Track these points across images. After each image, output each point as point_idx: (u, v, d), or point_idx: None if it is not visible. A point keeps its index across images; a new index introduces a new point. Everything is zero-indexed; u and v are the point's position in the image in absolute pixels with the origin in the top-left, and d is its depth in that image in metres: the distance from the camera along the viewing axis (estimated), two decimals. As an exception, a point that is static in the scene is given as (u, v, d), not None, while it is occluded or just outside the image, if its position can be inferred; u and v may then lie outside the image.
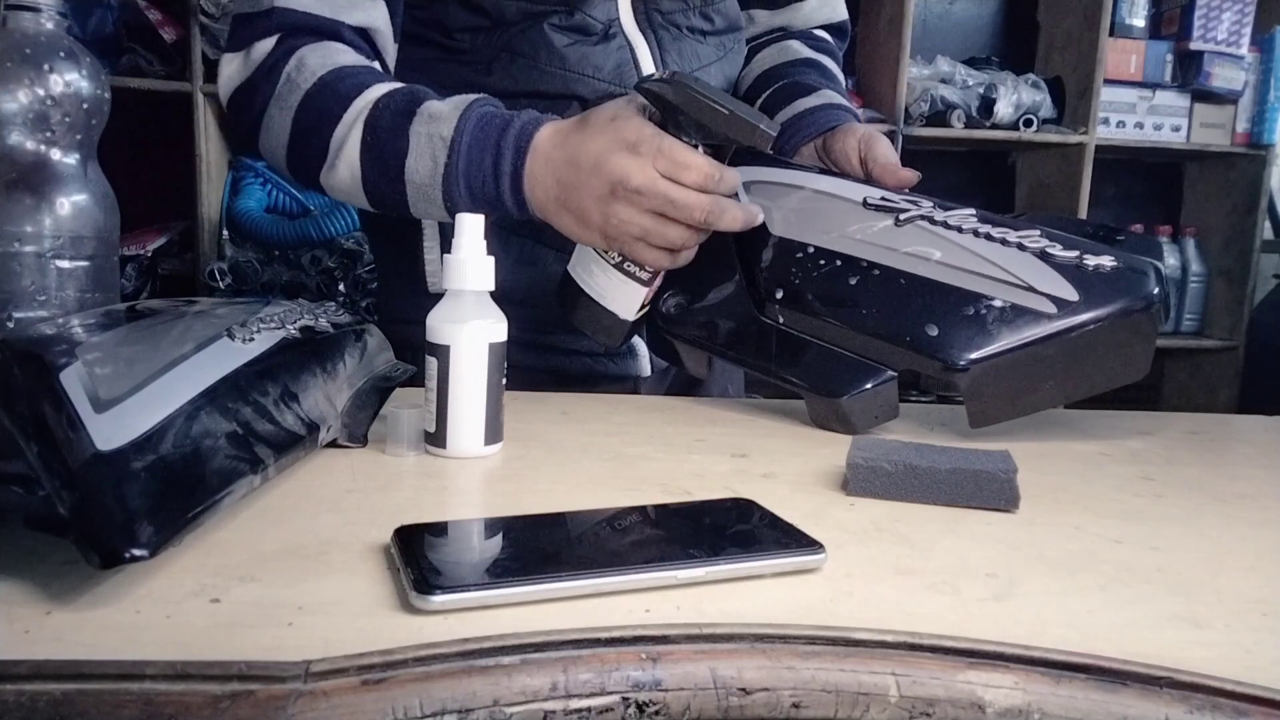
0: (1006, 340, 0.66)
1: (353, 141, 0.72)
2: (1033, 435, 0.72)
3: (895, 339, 0.68)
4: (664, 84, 0.66)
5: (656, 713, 0.33)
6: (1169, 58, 2.40)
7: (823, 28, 1.03)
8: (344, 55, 0.76)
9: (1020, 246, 0.69)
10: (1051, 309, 0.66)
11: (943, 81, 2.30)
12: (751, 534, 0.45)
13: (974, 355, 0.66)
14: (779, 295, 0.71)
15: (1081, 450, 0.69)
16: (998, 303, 0.67)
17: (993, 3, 2.65)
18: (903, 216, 0.71)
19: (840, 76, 1.00)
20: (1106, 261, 0.68)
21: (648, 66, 0.83)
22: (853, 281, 0.70)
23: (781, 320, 0.71)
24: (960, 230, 0.70)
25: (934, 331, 0.67)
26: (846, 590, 0.40)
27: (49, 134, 0.65)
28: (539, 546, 0.42)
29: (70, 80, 0.65)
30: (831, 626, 0.36)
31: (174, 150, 2.01)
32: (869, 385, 0.69)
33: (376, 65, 0.79)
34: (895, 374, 0.69)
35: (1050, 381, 0.69)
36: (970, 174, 2.68)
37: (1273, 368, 2.43)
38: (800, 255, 0.71)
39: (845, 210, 0.73)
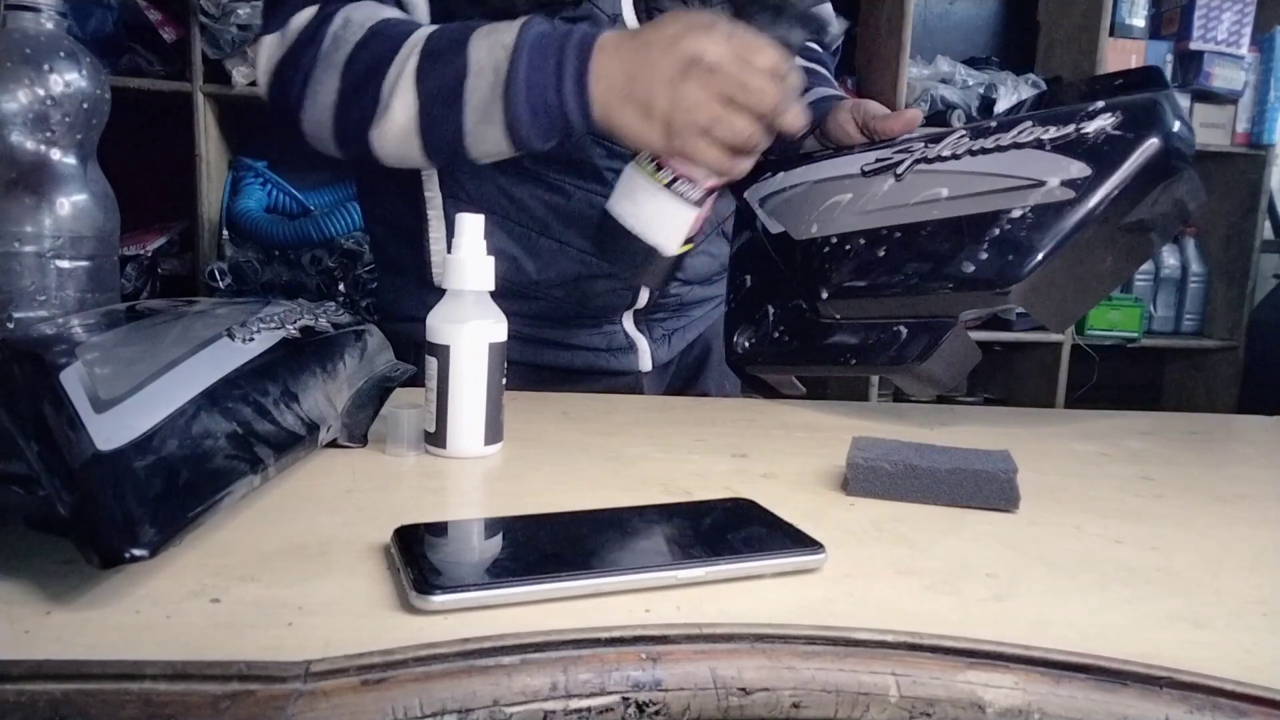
0: (1040, 243, 0.64)
1: (408, 75, 0.69)
2: (1033, 435, 0.72)
3: (941, 287, 0.68)
4: None
5: (656, 713, 0.33)
6: (1169, 58, 2.40)
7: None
8: (388, 10, 0.74)
9: (1015, 146, 0.67)
10: (1070, 194, 0.64)
11: (943, 81, 2.30)
12: (751, 534, 0.45)
13: (1016, 272, 0.65)
14: (824, 295, 0.71)
15: (1081, 450, 0.69)
16: (1016, 212, 0.66)
17: (993, 3, 2.65)
18: (900, 169, 0.71)
19: (834, 83, 1.00)
20: (1105, 122, 0.65)
21: None
22: (881, 252, 0.70)
23: (838, 315, 0.71)
24: (956, 157, 0.69)
25: (970, 267, 0.66)
26: (846, 590, 0.40)
27: (49, 134, 0.65)
28: (539, 546, 0.42)
29: (70, 80, 0.65)
30: (831, 626, 0.36)
31: (174, 150, 2.01)
32: (940, 341, 0.69)
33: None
34: (955, 320, 0.69)
35: (1106, 258, 0.67)
36: (970, 174, 2.67)
37: (1273, 368, 2.43)
38: (827, 249, 0.72)
39: (849, 187, 0.73)
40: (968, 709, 0.34)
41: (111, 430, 0.39)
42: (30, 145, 0.64)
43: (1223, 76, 2.40)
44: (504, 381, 0.59)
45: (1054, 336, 2.27)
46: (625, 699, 0.33)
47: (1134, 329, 2.36)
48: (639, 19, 0.83)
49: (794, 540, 0.43)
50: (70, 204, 0.66)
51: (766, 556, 0.42)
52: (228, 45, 1.89)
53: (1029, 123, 0.67)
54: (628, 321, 0.89)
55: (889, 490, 0.53)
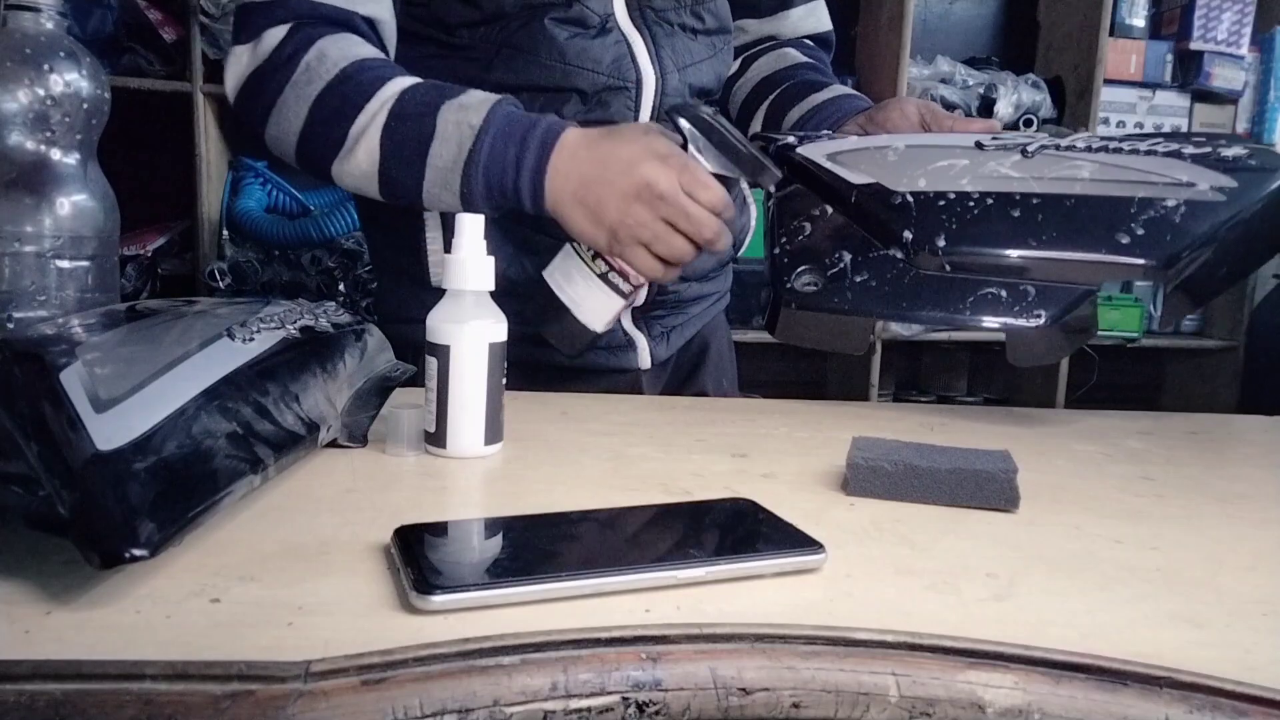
0: (1196, 232, 0.68)
1: (375, 128, 0.73)
2: (1033, 435, 0.72)
3: (1090, 252, 0.69)
4: (694, 113, 0.71)
5: (656, 713, 0.33)
6: (1169, 58, 2.40)
7: (809, 38, 1.04)
8: (363, 48, 0.77)
9: (1152, 153, 0.71)
10: (1221, 198, 0.69)
11: (943, 81, 2.30)
12: (751, 534, 0.45)
13: (1174, 250, 0.68)
14: (940, 243, 0.72)
15: (1081, 450, 0.69)
16: (1170, 202, 0.69)
17: (993, 3, 2.65)
18: (1029, 148, 0.73)
19: (831, 75, 1.01)
20: (1239, 150, 0.71)
21: (644, 61, 0.84)
22: (1016, 214, 0.71)
23: (949, 268, 0.72)
24: (1091, 149, 0.72)
25: (1126, 239, 0.69)
26: (846, 590, 0.40)
27: (49, 134, 0.65)
28: (539, 546, 0.42)
29: (70, 80, 0.65)
30: (831, 626, 0.36)
31: (174, 150, 2.01)
32: (1075, 305, 0.70)
33: (392, 60, 0.79)
34: (1095, 289, 0.70)
35: (1227, 264, 0.71)
36: (970, 174, 2.68)
37: (1273, 368, 2.43)
38: (944, 203, 0.72)
39: (963, 155, 0.75)
40: (968, 709, 0.34)
41: (111, 430, 0.39)
42: (30, 145, 0.64)
43: (1223, 76, 2.40)
44: (504, 381, 0.59)
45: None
46: (625, 699, 0.33)
47: (1134, 329, 2.36)
48: (633, 21, 0.83)
49: (794, 540, 0.43)
50: (70, 204, 0.66)
51: (766, 556, 0.42)
52: (228, 45, 1.89)
53: (1160, 139, 0.73)
54: (625, 320, 0.89)
55: (889, 490, 0.53)
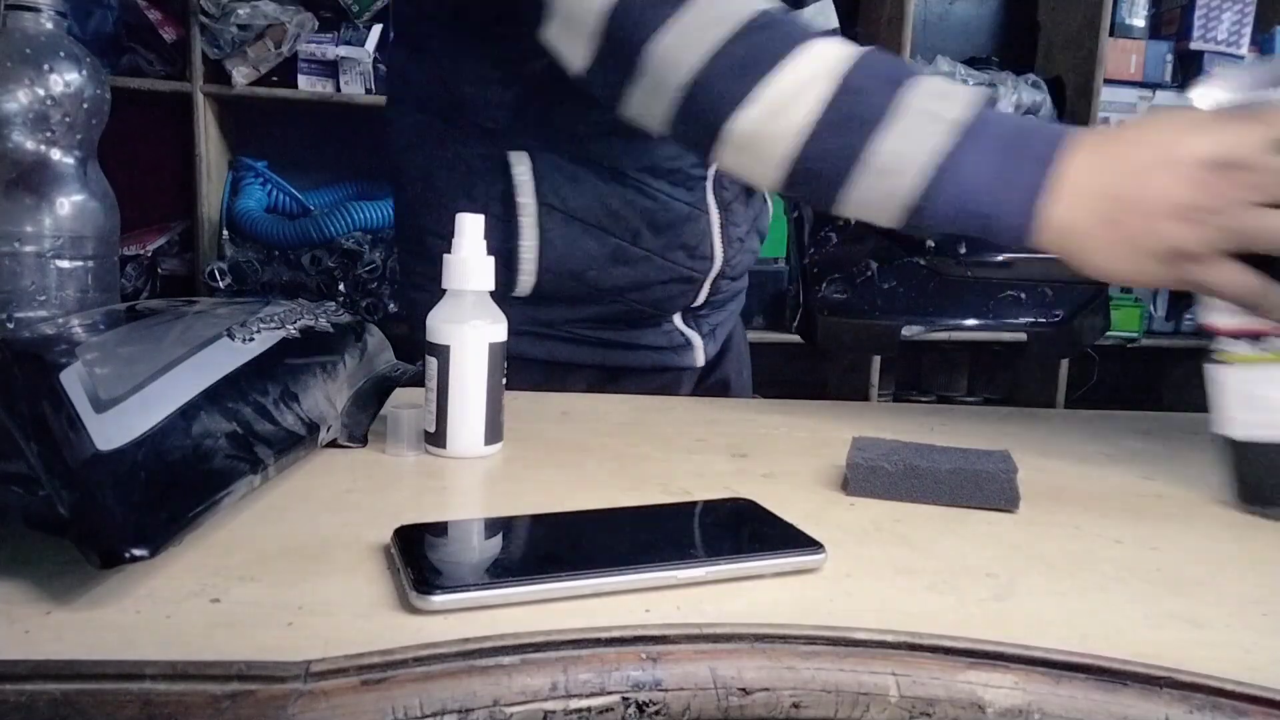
0: None
1: (810, 95, 0.59)
2: (1033, 435, 0.72)
3: None
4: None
5: (656, 713, 0.33)
6: (1169, 58, 2.40)
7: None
8: None
9: None
10: None
11: (943, 81, 2.30)
12: (751, 534, 0.45)
13: None
14: (962, 250, 0.75)
15: (1081, 450, 0.69)
16: None
17: (993, 3, 2.65)
18: None
19: None
20: None
21: None
22: None
23: (970, 274, 0.75)
24: None
25: None
26: (846, 590, 0.40)
27: (49, 134, 0.65)
28: (539, 546, 0.42)
29: (70, 80, 0.65)
30: (831, 626, 0.36)
31: (174, 150, 2.01)
32: (1091, 302, 0.74)
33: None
34: (1106, 286, 0.73)
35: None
36: (970, 174, 2.68)
37: (1273, 368, 2.42)
38: None
39: None
40: (968, 709, 0.34)
41: (111, 430, 0.39)
42: (30, 145, 0.64)
43: (1223, 76, 2.39)
44: (504, 381, 0.59)
45: (1054, 336, 2.27)
46: (625, 699, 0.33)
47: (1134, 329, 2.36)
48: None
49: (794, 540, 0.43)
50: (70, 204, 0.66)
51: (766, 556, 0.42)
52: (228, 45, 1.89)
53: None
54: (678, 320, 0.91)
55: (889, 490, 0.53)
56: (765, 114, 0.59)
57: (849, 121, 0.58)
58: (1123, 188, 0.53)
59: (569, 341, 0.85)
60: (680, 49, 0.61)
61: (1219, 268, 0.51)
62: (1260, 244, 0.50)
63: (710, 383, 0.97)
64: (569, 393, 0.81)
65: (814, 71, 0.59)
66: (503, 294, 0.83)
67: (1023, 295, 0.73)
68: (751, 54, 0.60)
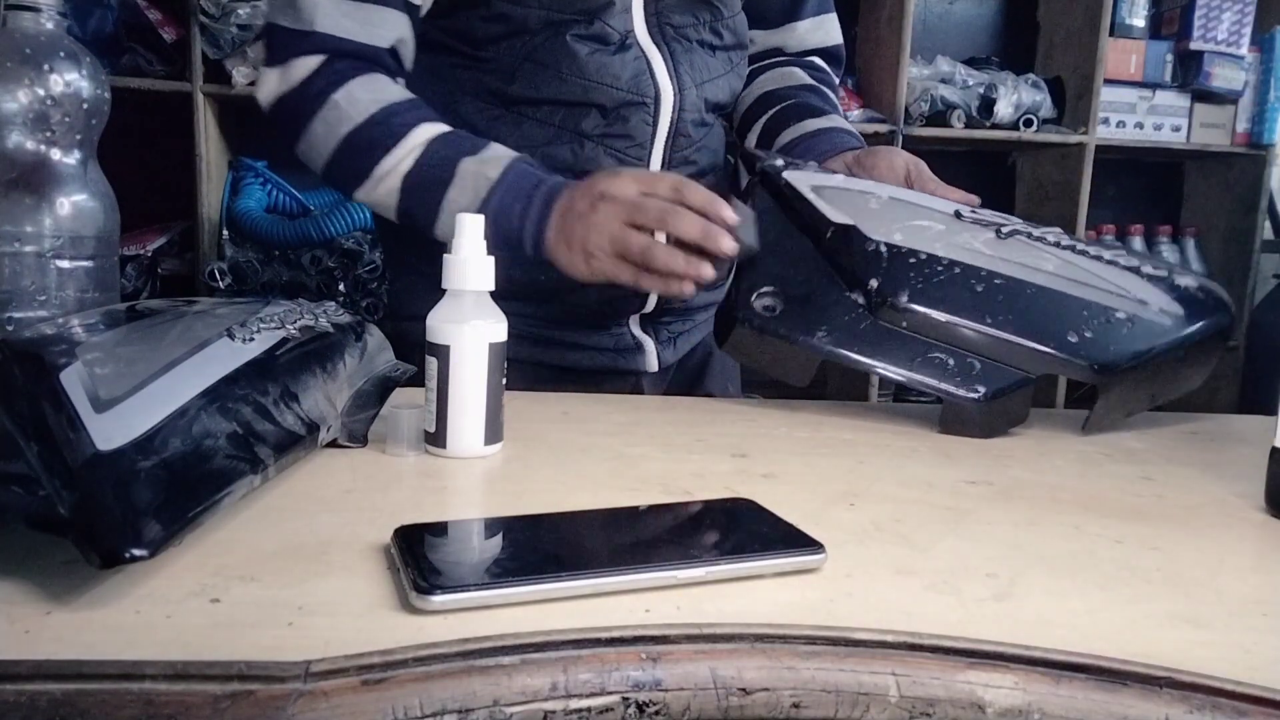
0: (1139, 348, 0.71)
1: (399, 173, 0.78)
2: (1033, 435, 0.72)
3: (1040, 343, 0.70)
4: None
5: (656, 713, 0.33)
6: (1169, 58, 2.40)
7: (819, 53, 1.04)
8: (390, 89, 0.80)
9: (1114, 264, 0.74)
10: (1167, 321, 0.72)
11: (943, 81, 2.30)
12: (751, 534, 0.45)
13: (1115, 359, 0.70)
14: (903, 299, 0.72)
15: (1081, 450, 0.69)
16: (1121, 314, 0.72)
17: (993, 3, 2.65)
18: (1004, 230, 0.75)
19: (840, 108, 1.01)
20: (1190, 281, 0.75)
21: (663, 77, 0.85)
22: (979, 289, 0.72)
23: (905, 324, 0.72)
24: (1059, 245, 0.74)
25: (1074, 338, 0.71)
26: (846, 590, 0.40)
27: (49, 134, 0.65)
28: (539, 546, 0.42)
29: (70, 80, 0.65)
30: (831, 626, 0.36)
31: (174, 150, 2.01)
32: (1015, 389, 0.70)
33: (417, 98, 0.82)
34: (1033, 378, 0.71)
35: (1152, 389, 0.73)
36: (970, 174, 2.67)
37: (1273, 368, 2.43)
38: (914, 261, 0.73)
39: (941, 220, 0.76)
40: (968, 709, 0.34)
41: (111, 430, 0.39)
42: (30, 145, 0.64)
43: (1223, 76, 2.40)
44: (504, 381, 0.59)
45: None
46: (625, 699, 0.33)
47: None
48: (652, 37, 0.84)
49: (794, 540, 0.43)
50: (70, 204, 0.66)
51: (766, 556, 0.42)
52: (228, 45, 1.89)
53: (1122, 252, 0.76)
54: (634, 324, 0.90)
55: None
56: (377, 190, 0.80)
57: (426, 189, 0.79)
58: (565, 210, 0.75)
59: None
60: (317, 141, 0.81)
61: (612, 265, 0.72)
62: (630, 253, 0.71)
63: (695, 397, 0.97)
64: (568, 392, 0.81)
65: (403, 155, 0.79)
66: (434, 281, 0.85)
67: (950, 361, 0.71)
68: (366, 145, 0.79)
